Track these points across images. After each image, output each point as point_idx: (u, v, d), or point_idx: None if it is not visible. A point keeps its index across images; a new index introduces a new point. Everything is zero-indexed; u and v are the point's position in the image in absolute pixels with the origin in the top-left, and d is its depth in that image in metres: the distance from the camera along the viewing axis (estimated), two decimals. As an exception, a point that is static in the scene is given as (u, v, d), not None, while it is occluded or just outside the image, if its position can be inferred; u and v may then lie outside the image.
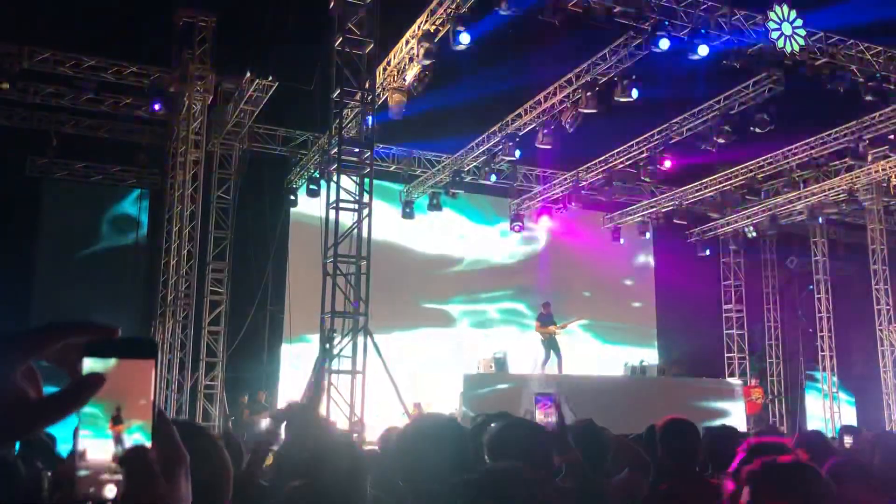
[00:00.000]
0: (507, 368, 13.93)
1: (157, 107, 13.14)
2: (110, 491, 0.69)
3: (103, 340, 0.74)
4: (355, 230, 9.80)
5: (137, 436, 0.72)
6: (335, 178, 9.93)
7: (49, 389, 0.73)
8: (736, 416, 14.25)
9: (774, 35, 11.40)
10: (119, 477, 0.70)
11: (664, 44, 10.80)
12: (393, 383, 9.80)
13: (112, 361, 0.72)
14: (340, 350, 9.49)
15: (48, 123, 13.98)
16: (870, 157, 14.52)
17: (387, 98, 12.56)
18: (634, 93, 11.88)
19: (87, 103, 13.45)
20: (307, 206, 15.33)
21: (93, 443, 0.70)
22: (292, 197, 16.06)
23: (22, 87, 12.75)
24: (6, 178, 14.33)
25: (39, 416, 0.71)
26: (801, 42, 11.53)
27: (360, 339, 9.48)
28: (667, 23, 10.93)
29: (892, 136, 13.69)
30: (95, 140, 14.55)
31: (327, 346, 9.01)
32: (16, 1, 11.33)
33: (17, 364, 0.71)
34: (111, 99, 13.55)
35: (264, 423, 12.51)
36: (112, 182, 15.41)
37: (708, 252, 19.35)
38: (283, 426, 3.57)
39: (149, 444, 0.72)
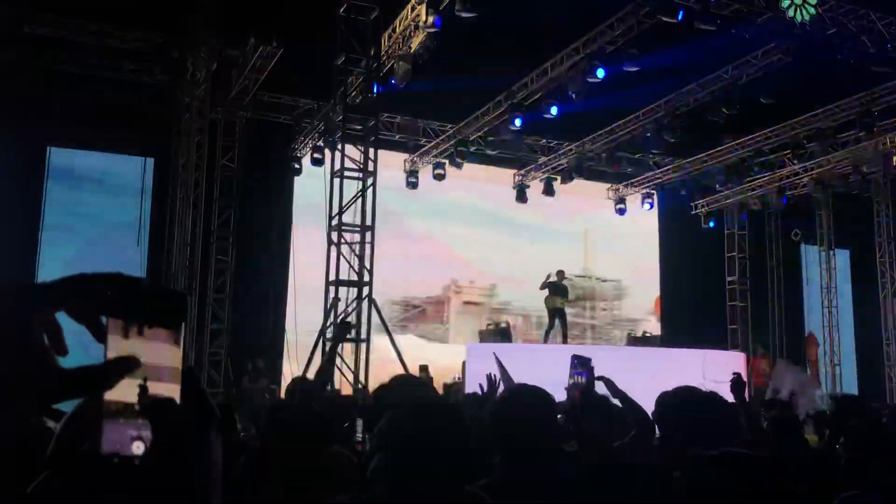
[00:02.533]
0: (510, 339, 13.99)
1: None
2: (137, 448, 0.67)
3: (128, 295, 0.71)
4: (359, 199, 9.78)
5: None
6: (339, 147, 9.89)
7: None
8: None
9: (785, 3, 11.25)
10: (147, 433, 0.68)
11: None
12: (397, 351, 9.84)
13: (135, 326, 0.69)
14: (345, 318, 9.52)
15: (52, 89, 13.87)
16: (877, 129, 14.42)
17: (392, 66, 12.45)
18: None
19: (91, 69, 13.35)
20: (311, 175, 15.29)
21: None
22: (297, 165, 16.01)
23: (24, 52, 12.64)
24: (9, 144, 14.28)
25: (65, 390, 0.68)
26: (812, 11, 11.38)
27: (364, 306, 9.50)
28: (676, -9, 10.80)
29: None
30: (100, 106, 14.46)
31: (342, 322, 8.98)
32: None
33: (36, 312, 0.69)
34: (115, 64, 13.44)
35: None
36: (117, 149, 15.34)
37: (713, 224, 19.31)
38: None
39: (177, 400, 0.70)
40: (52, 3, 12.02)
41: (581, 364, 3.57)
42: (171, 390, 0.69)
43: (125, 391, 0.68)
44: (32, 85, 13.55)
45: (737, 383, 4.32)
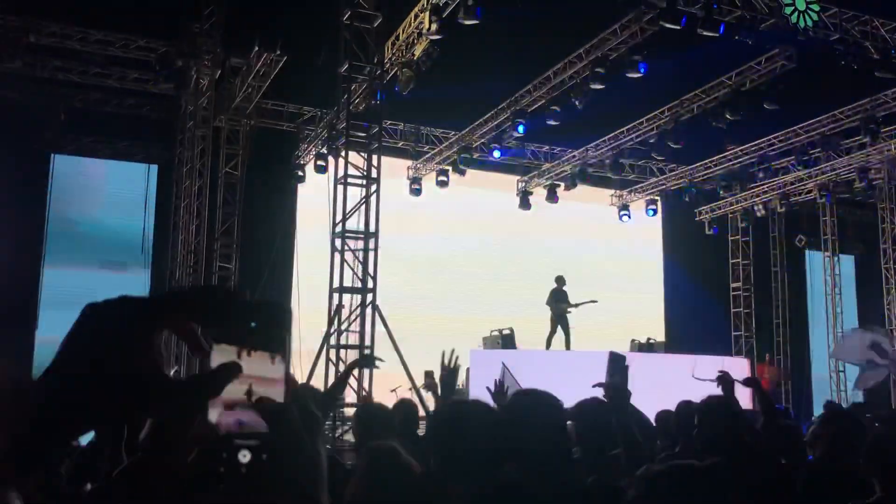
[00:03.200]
0: (514, 345, 13.95)
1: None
2: (244, 456, 0.66)
3: (227, 309, 0.68)
4: (363, 206, 9.79)
5: None
6: (343, 154, 9.90)
7: None
8: (742, 393, 14.23)
9: (788, 10, 11.25)
10: (252, 442, 0.66)
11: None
12: (401, 358, 9.82)
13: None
14: (349, 325, 9.51)
15: (56, 98, 13.94)
16: (882, 135, 14.40)
17: (395, 73, 12.48)
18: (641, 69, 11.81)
19: (95, 77, 13.41)
20: (315, 182, 15.30)
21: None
22: (300, 173, 16.04)
23: (29, 61, 12.70)
24: (14, 152, 14.32)
25: (176, 403, 0.66)
26: (815, 17, 11.38)
27: (369, 313, 9.50)
28: (679, -2, 10.80)
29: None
30: (103, 114, 14.52)
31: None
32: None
33: (156, 330, 0.67)
34: (119, 73, 13.50)
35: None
36: (121, 157, 15.39)
37: (714, 231, 19.30)
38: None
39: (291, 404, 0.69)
40: (57, 12, 12.07)
41: (615, 362, 3.52)
42: (276, 395, 0.69)
43: (233, 396, 0.67)
44: (37, 93, 13.62)
45: (724, 380, 4.35)
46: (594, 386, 3.79)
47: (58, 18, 12.21)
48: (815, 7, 11.36)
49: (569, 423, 3.53)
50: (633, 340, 16.13)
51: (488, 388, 4.28)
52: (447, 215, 17.83)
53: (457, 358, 4.12)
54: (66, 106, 13.92)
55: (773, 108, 13.12)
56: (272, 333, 0.69)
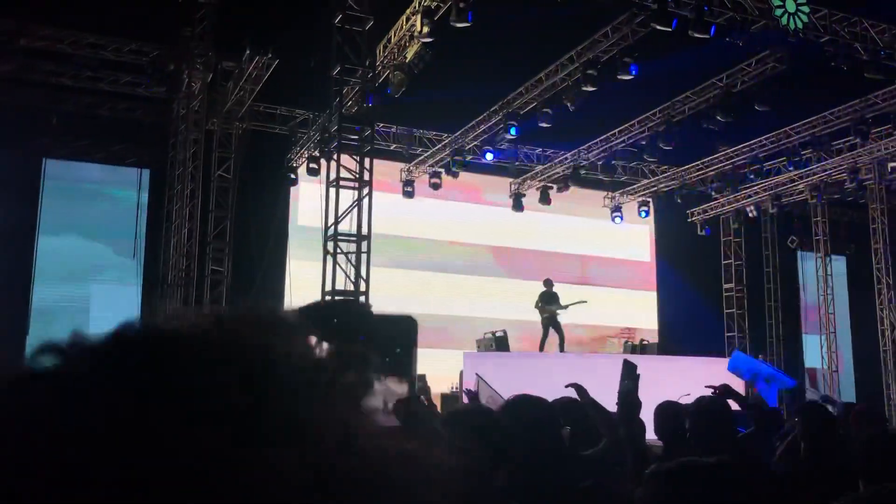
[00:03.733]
0: (507, 348, 13.96)
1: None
2: None
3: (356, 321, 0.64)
4: (355, 209, 9.79)
5: None
6: (335, 157, 9.91)
7: None
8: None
9: (778, 12, 11.32)
10: None
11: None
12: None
13: None
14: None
15: (48, 102, 13.91)
16: (872, 136, 14.48)
17: (387, 76, 12.49)
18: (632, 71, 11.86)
19: (87, 81, 13.39)
20: (307, 185, 15.32)
21: None
22: (292, 176, 16.03)
23: (21, 64, 12.68)
24: (6, 156, 14.30)
25: None
26: (805, 19, 11.45)
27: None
28: (670, -1, 10.85)
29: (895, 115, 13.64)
30: (96, 118, 14.50)
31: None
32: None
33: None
34: (111, 77, 13.48)
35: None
36: (113, 161, 15.37)
37: (706, 232, 19.36)
38: None
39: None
40: (49, 16, 12.05)
41: (628, 369, 3.50)
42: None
43: None
44: (29, 97, 13.60)
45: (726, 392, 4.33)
46: (566, 386, 3.80)
47: (50, 22, 12.20)
48: (806, 9, 11.43)
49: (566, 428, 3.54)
50: (626, 342, 16.17)
51: (467, 391, 4.29)
52: (441, 217, 17.84)
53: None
54: (58, 110, 13.90)
55: (763, 110, 13.18)
56: (403, 357, 0.65)
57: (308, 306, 0.64)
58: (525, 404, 2.89)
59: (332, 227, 9.60)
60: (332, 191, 9.78)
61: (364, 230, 9.69)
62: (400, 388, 0.64)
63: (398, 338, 0.67)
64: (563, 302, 14.61)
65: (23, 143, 14.29)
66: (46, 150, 14.52)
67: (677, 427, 3.84)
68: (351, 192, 9.92)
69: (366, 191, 9.80)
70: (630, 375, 3.37)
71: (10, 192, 14.21)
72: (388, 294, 14.03)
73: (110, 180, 15.42)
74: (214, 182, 14.68)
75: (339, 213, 9.66)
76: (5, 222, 13.95)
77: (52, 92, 13.80)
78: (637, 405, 3.28)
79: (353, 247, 9.78)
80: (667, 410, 4.22)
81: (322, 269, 9.61)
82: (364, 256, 9.70)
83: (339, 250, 9.61)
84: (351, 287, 9.59)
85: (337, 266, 9.58)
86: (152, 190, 15.07)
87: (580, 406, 3.69)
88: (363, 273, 9.63)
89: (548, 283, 14.74)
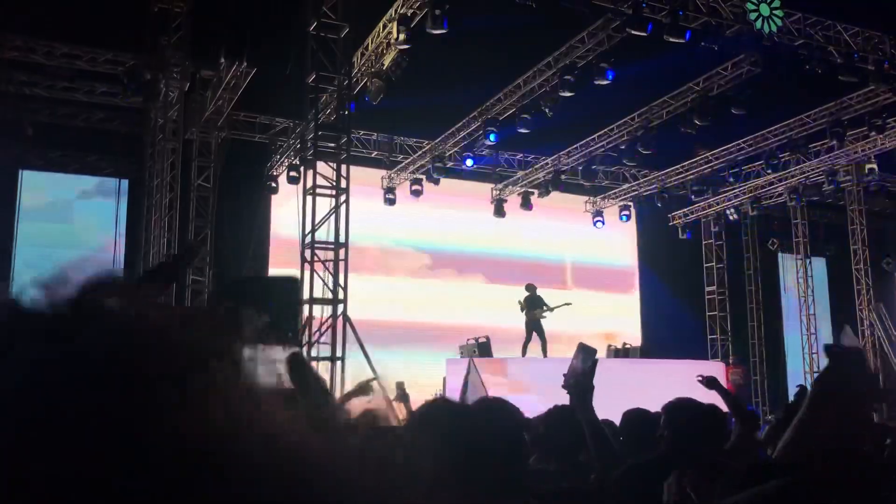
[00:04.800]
0: (490, 354, 13.94)
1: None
2: None
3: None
4: (332, 217, 9.76)
5: None
6: (313, 165, 9.88)
7: None
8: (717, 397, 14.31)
9: (752, 16, 11.41)
10: None
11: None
12: (373, 369, 9.77)
13: None
14: (321, 336, 9.47)
15: (23, 113, 13.78)
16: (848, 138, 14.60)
17: (365, 83, 12.48)
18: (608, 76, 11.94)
19: (62, 91, 13.29)
20: (288, 194, 15.26)
21: None
22: (273, 184, 15.98)
23: (-6, 76, 12.58)
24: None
25: None
26: (779, 23, 11.55)
27: (340, 325, 9.46)
28: (645, 4, 10.91)
29: (870, 117, 13.77)
30: (72, 129, 14.39)
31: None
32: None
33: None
34: (86, 87, 13.38)
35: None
36: (89, 171, 15.26)
37: (687, 235, 19.46)
38: None
39: None
40: (22, 26, 11.95)
41: (585, 353, 3.29)
42: None
43: None
44: (3, 108, 13.46)
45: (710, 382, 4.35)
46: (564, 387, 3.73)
47: (22, 32, 12.09)
48: (780, 13, 11.53)
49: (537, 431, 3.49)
50: (609, 346, 16.17)
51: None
52: (422, 224, 17.82)
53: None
54: (33, 121, 13.77)
55: (740, 113, 13.26)
56: (285, 321, 0.62)
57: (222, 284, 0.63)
58: (494, 410, 2.86)
59: (310, 235, 9.56)
60: (310, 199, 9.74)
61: (342, 238, 9.65)
62: (286, 350, 0.61)
63: (278, 297, 0.65)
64: (546, 307, 14.64)
65: (-2, 155, 14.18)
66: (22, 161, 14.38)
67: (645, 432, 3.80)
68: (329, 199, 9.89)
69: (343, 198, 9.77)
70: (588, 360, 3.20)
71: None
72: (367, 302, 13.99)
73: (88, 190, 15.29)
74: (194, 191, 14.59)
75: (317, 221, 9.62)
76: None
77: (26, 103, 13.67)
78: (589, 390, 3.16)
79: (331, 254, 9.75)
80: (634, 417, 4.19)
81: (300, 277, 9.55)
82: (342, 264, 9.66)
83: (316, 258, 9.57)
84: (329, 295, 9.55)
85: (315, 274, 9.54)
86: (130, 200, 14.97)
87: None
88: (341, 281, 9.59)
89: (530, 287, 14.77)
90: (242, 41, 12.00)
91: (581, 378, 3.14)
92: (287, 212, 14.85)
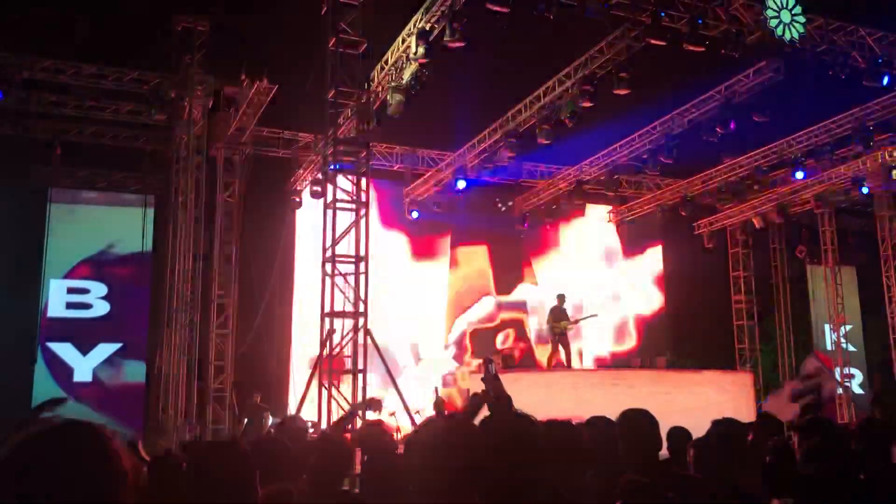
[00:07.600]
0: (514, 366, 13.93)
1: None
2: None
3: None
4: (353, 230, 9.82)
5: None
6: (332, 180, 9.96)
7: None
8: (745, 407, 14.11)
9: (773, 23, 11.29)
10: None
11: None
12: (393, 381, 9.80)
13: None
14: (341, 350, 9.51)
15: (51, 132, 14.06)
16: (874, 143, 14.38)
17: (386, 97, 12.56)
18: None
19: (89, 111, 13.56)
20: (312, 208, 15.37)
21: None
22: (297, 199, 16.10)
23: (24, 96, 12.84)
24: (11, 188, 14.45)
25: None
26: (801, 29, 11.40)
27: (360, 338, 9.49)
28: (663, 14, 10.87)
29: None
30: (99, 147, 14.65)
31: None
32: (15, 10, 11.41)
33: None
34: (113, 106, 13.64)
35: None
36: (117, 189, 15.50)
37: (712, 245, 19.25)
38: None
39: None
40: (49, 48, 12.23)
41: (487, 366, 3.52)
42: None
43: None
44: (32, 128, 13.76)
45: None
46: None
47: (51, 54, 12.37)
48: (801, 19, 11.39)
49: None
50: (635, 359, 16.05)
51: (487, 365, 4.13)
52: (445, 235, 17.84)
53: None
54: (61, 140, 14.05)
55: (763, 120, 13.13)
56: None
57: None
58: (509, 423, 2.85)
59: (330, 249, 9.62)
60: (330, 213, 9.82)
61: (362, 251, 9.70)
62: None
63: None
64: (573, 317, 14.62)
65: (27, 173, 14.46)
66: (50, 180, 14.64)
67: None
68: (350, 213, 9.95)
69: (363, 212, 9.83)
70: (487, 374, 3.45)
71: (16, 222, 14.38)
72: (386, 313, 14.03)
73: (115, 207, 15.50)
74: (220, 207, 14.74)
75: (337, 235, 9.69)
76: (12, 252, 14.10)
77: (55, 122, 13.96)
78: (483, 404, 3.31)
79: (352, 268, 9.80)
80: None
81: (321, 291, 9.62)
82: (363, 278, 9.70)
83: (337, 272, 9.63)
84: (350, 308, 9.59)
85: (335, 287, 9.59)
86: (157, 216, 15.17)
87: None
88: (361, 294, 9.64)
89: (561, 298, 14.68)
90: (263, 59, 12.15)
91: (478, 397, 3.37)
92: (311, 226, 14.96)
